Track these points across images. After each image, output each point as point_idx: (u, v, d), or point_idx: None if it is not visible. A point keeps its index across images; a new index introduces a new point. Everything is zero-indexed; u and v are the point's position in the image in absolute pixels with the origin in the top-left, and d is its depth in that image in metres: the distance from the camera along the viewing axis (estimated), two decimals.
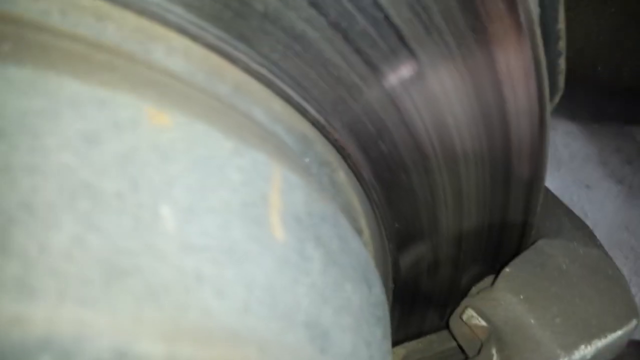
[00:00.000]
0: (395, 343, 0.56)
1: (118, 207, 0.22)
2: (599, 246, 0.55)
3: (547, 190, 0.55)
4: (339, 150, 0.38)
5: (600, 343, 0.45)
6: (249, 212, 0.26)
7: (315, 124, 0.35)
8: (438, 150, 0.41)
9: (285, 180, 0.30)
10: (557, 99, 0.49)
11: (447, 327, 0.55)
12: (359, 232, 0.44)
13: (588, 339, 0.45)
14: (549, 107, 0.44)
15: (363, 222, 0.44)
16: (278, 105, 0.34)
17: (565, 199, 0.57)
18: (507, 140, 0.44)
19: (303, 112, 0.35)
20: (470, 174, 0.44)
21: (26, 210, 0.20)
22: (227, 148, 0.27)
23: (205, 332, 0.22)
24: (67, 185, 0.21)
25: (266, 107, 0.34)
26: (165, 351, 0.20)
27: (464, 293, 0.55)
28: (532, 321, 0.46)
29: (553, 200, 0.57)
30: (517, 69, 0.40)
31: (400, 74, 0.36)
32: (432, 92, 0.37)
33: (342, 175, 0.39)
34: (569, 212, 0.57)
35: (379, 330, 0.35)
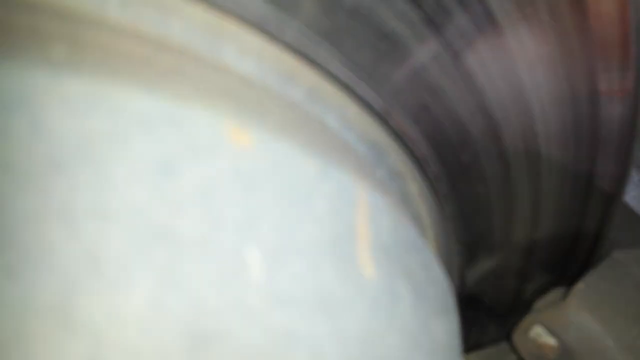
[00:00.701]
0: None
1: (200, 254, 0.18)
2: None
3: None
4: (415, 161, 0.33)
5: None
6: (339, 249, 0.22)
7: (393, 132, 0.31)
8: (523, 160, 0.36)
9: (372, 204, 0.26)
10: None
11: (507, 339, 0.51)
12: None
13: None
14: None
15: (429, 235, 0.40)
16: (353, 110, 0.30)
17: None
18: (595, 149, 0.39)
19: (382, 120, 0.30)
20: (552, 184, 0.40)
21: (92, 266, 0.16)
22: (312, 171, 0.23)
23: None
24: (140, 231, 0.17)
25: (341, 112, 0.29)
26: None
27: (528, 304, 0.51)
28: (611, 343, 0.42)
29: (625, 207, 0.52)
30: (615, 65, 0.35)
31: (491, 74, 0.31)
32: (525, 98, 0.33)
33: (415, 187, 0.35)
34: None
35: None
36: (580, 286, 0.46)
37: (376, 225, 0.25)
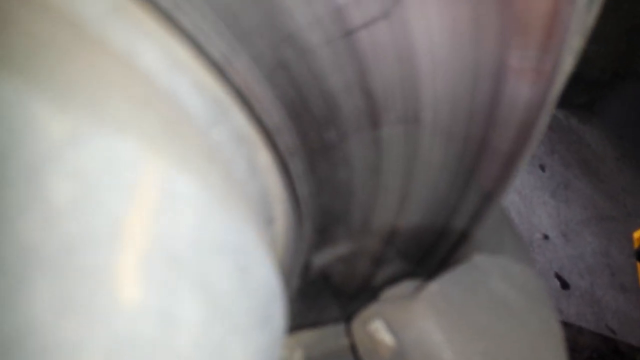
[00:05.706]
0: (290, 330, 0.48)
1: None
2: (533, 266, 0.49)
3: None
4: (264, 128, 0.26)
5: None
6: (78, 257, 0.14)
7: (233, 86, 0.23)
8: (400, 151, 0.30)
9: (167, 191, 0.18)
10: None
11: (347, 321, 0.48)
12: (270, 221, 0.33)
13: None
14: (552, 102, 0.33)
15: (279, 210, 0.33)
16: (183, 51, 0.22)
17: None
18: (484, 147, 0.34)
19: (225, 72, 0.22)
20: (428, 178, 0.34)
21: None
22: (58, 132, 0.14)
23: None
24: None
25: (164, 47, 0.21)
26: None
27: (376, 290, 0.47)
28: (448, 356, 0.39)
29: (498, 210, 0.49)
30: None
31: (382, 48, 0.24)
32: (417, 81, 0.26)
33: (265, 157, 0.28)
34: (511, 226, 0.49)
35: None
36: (432, 288, 0.42)
37: (166, 221, 0.18)
